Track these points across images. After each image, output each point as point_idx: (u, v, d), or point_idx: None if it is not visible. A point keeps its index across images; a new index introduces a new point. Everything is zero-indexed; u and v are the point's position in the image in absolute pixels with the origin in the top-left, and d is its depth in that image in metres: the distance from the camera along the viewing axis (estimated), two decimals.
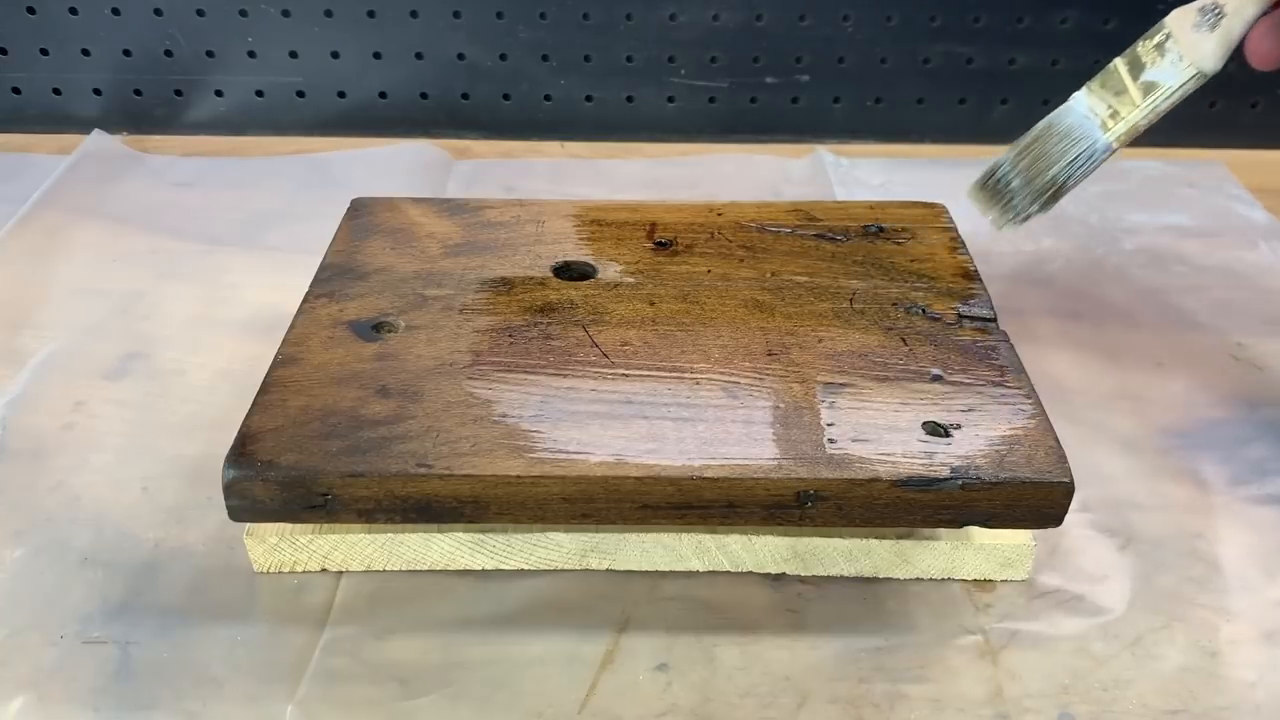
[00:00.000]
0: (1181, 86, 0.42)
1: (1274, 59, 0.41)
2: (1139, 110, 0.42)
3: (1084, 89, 0.44)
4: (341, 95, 0.72)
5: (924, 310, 0.43)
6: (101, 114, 0.72)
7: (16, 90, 0.72)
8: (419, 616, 0.38)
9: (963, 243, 0.48)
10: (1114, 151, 0.44)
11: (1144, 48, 0.43)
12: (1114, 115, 0.43)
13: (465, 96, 0.72)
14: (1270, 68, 0.41)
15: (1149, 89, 0.42)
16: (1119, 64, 0.44)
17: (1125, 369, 0.51)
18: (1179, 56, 0.42)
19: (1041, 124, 0.45)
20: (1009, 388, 0.39)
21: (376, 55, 0.71)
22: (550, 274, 0.45)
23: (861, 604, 0.39)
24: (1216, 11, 0.41)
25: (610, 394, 0.38)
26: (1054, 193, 0.44)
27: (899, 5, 0.69)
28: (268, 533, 0.39)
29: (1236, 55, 0.42)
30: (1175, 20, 0.42)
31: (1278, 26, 0.40)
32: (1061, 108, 0.45)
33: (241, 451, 0.35)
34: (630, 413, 0.37)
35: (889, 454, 0.36)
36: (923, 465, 0.35)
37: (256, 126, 0.73)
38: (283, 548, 0.39)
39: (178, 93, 0.72)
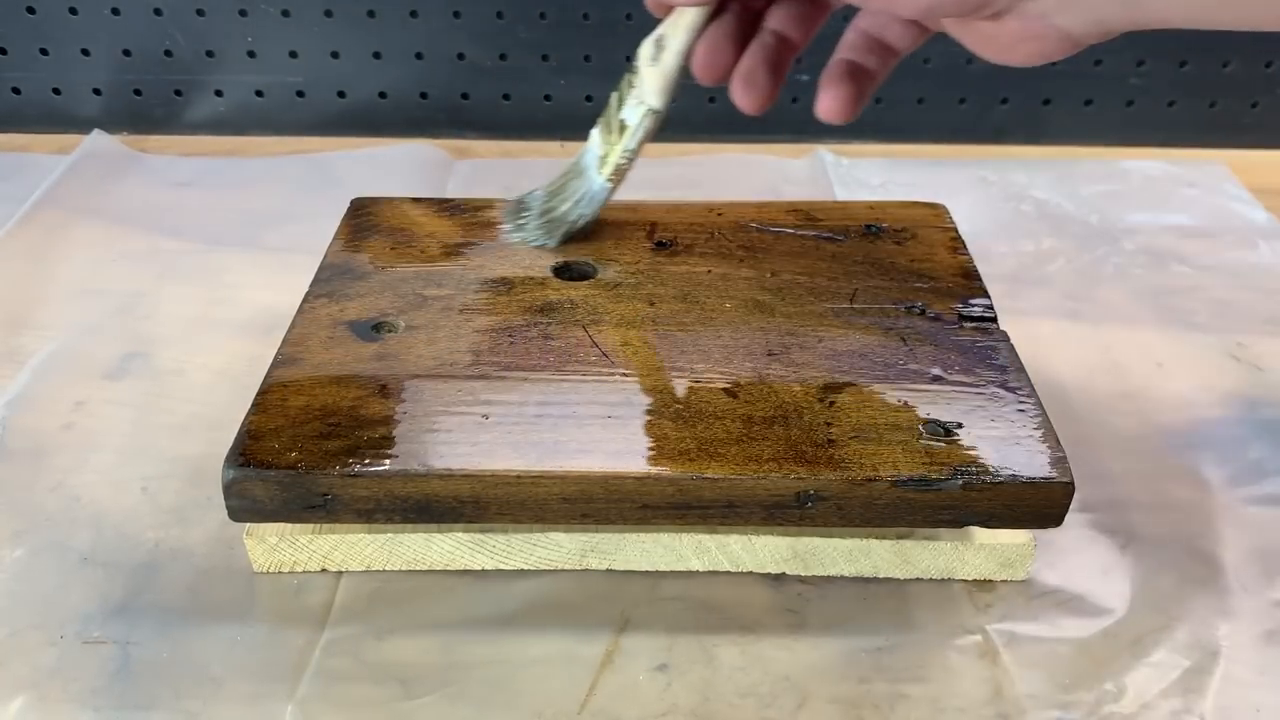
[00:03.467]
0: (640, 124, 0.42)
1: (715, 78, 0.39)
2: (616, 150, 0.43)
3: (597, 125, 0.44)
4: (341, 95, 0.72)
5: (924, 310, 0.43)
6: (101, 114, 0.72)
7: (16, 90, 0.72)
8: (419, 616, 0.38)
9: (963, 242, 0.48)
10: (612, 190, 0.44)
11: (624, 82, 0.43)
12: (605, 157, 0.44)
13: (465, 96, 0.72)
14: (714, 84, 0.40)
15: (622, 128, 0.42)
16: (611, 99, 0.44)
17: (1125, 369, 0.51)
18: (638, 92, 0.42)
19: (573, 159, 0.46)
20: (1009, 388, 0.39)
21: (376, 55, 0.71)
22: (550, 274, 0.45)
23: (861, 604, 0.39)
24: (660, 44, 0.40)
25: (610, 394, 0.38)
26: (563, 229, 0.46)
27: None
28: (267, 533, 0.39)
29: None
30: (642, 51, 0.42)
31: (716, 48, 0.39)
32: (585, 144, 0.45)
33: (241, 451, 0.36)
34: (630, 413, 0.37)
35: (889, 454, 0.36)
36: (923, 465, 0.35)
37: (256, 126, 0.73)
38: (283, 548, 0.39)
39: (177, 93, 0.72)
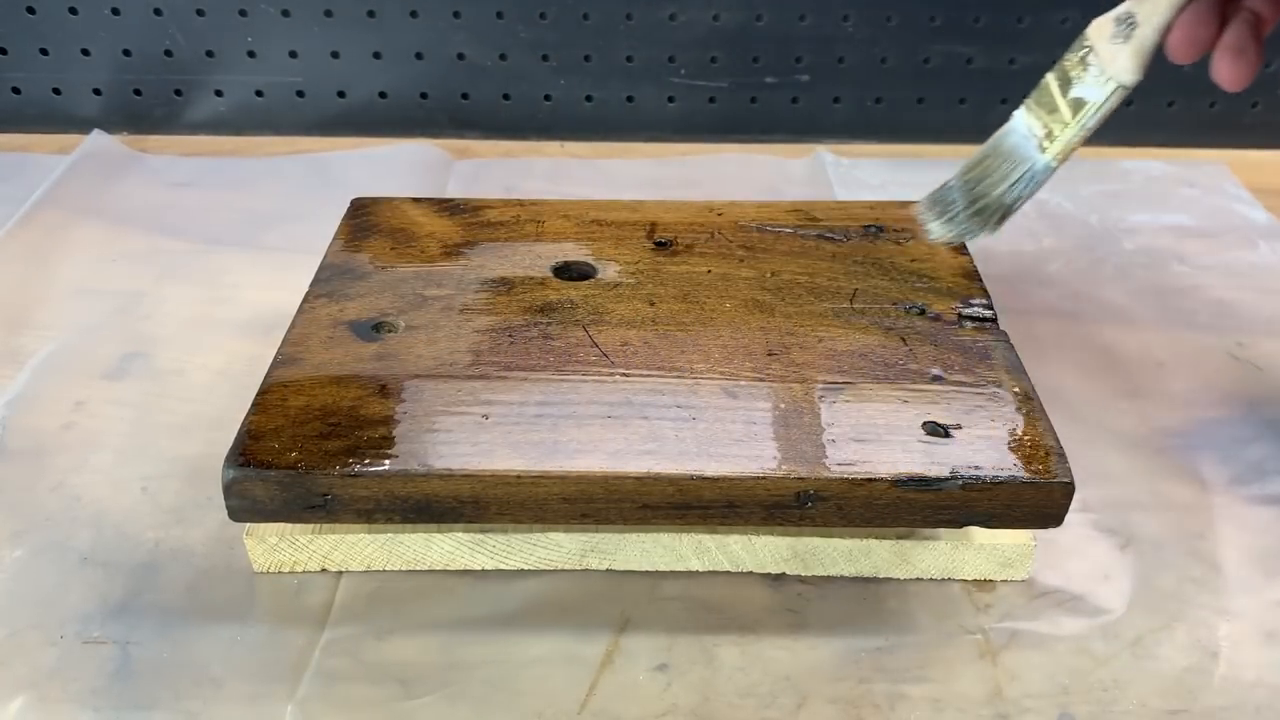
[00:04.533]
0: (1106, 101, 0.42)
1: (1193, 55, 0.40)
2: (1071, 128, 0.42)
3: (1022, 107, 0.44)
4: (341, 95, 0.72)
5: (924, 310, 0.43)
6: (101, 114, 0.72)
7: (16, 90, 0.72)
8: (419, 616, 0.38)
9: (963, 243, 0.48)
10: (1054, 170, 0.43)
11: (1070, 61, 0.43)
12: (1049, 135, 0.43)
13: (465, 96, 0.72)
14: (1188, 61, 0.40)
15: (1078, 106, 0.42)
16: (1050, 80, 0.43)
17: (1125, 369, 0.51)
18: (1100, 70, 0.41)
19: (988, 144, 0.45)
20: (1009, 388, 0.39)
21: (376, 55, 0.71)
22: (550, 274, 0.45)
23: (861, 604, 0.39)
24: (1130, 21, 0.40)
25: (610, 394, 0.38)
26: (1000, 214, 0.44)
27: (899, 5, 0.69)
28: (267, 533, 0.39)
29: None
30: (1095, 31, 0.42)
31: (1198, 23, 0.40)
32: (1005, 127, 0.44)
33: (241, 451, 0.36)
34: (630, 413, 0.37)
35: (889, 454, 0.36)
36: (923, 465, 0.35)
37: (256, 126, 0.73)
38: (283, 548, 0.39)
39: (178, 93, 0.72)
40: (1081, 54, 0.42)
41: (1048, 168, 0.43)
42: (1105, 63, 0.41)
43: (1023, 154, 0.43)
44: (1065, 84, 0.43)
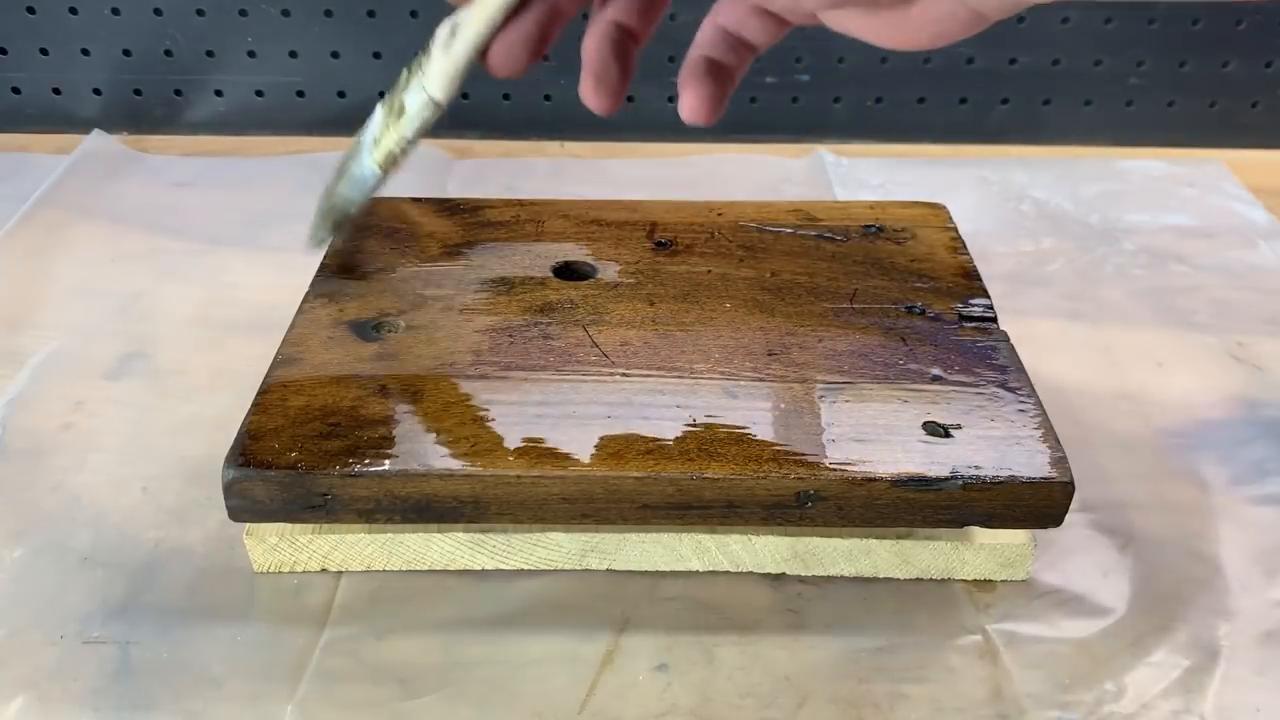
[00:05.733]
0: (420, 113, 0.38)
1: (513, 71, 0.35)
2: (391, 135, 0.39)
3: (382, 100, 0.40)
4: (341, 95, 0.72)
5: (924, 310, 0.43)
6: (101, 114, 0.72)
7: (16, 90, 0.72)
8: (419, 616, 0.38)
9: (963, 243, 0.48)
10: (382, 176, 0.40)
11: (417, 60, 0.38)
12: (379, 140, 0.40)
13: (465, 96, 0.72)
14: (512, 77, 0.36)
15: (401, 112, 0.38)
16: (402, 74, 0.38)
17: (1125, 369, 0.51)
18: (423, 77, 0.37)
19: (352, 141, 0.41)
20: (1009, 388, 0.39)
21: (376, 55, 0.71)
22: (550, 274, 0.45)
23: (861, 604, 0.39)
24: (453, 31, 0.36)
25: (610, 394, 0.38)
26: (337, 216, 0.42)
27: None
28: (267, 533, 0.39)
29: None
30: (439, 33, 0.37)
31: (522, 42, 0.35)
32: (367, 121, 0.40)
33: (241, 451, 0.36)
34: (630, 413, 0.37)
35: (889, 454, 0.36)
36: (923, 465, 0.35)
37: (256, 126, 0.73)
38: (282, 548, 0.39)
39: (178, 93, 0.72)
40: (423, 55, 0.38)
41: (375, 174, 0.40)
42: (427, 69, 0.37)
43: (362, 155, 0.40)
44: (406, 84, 0.38)
